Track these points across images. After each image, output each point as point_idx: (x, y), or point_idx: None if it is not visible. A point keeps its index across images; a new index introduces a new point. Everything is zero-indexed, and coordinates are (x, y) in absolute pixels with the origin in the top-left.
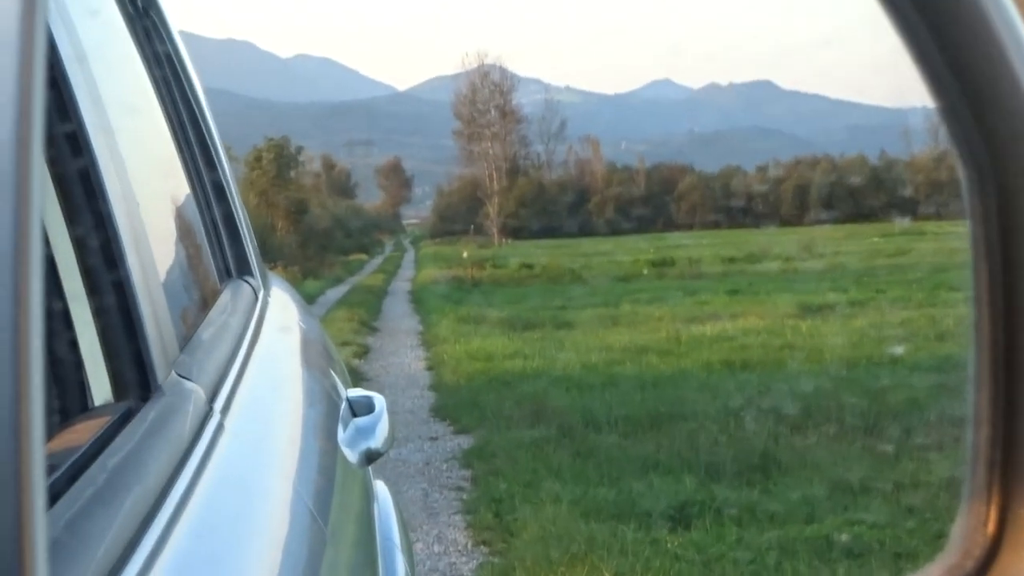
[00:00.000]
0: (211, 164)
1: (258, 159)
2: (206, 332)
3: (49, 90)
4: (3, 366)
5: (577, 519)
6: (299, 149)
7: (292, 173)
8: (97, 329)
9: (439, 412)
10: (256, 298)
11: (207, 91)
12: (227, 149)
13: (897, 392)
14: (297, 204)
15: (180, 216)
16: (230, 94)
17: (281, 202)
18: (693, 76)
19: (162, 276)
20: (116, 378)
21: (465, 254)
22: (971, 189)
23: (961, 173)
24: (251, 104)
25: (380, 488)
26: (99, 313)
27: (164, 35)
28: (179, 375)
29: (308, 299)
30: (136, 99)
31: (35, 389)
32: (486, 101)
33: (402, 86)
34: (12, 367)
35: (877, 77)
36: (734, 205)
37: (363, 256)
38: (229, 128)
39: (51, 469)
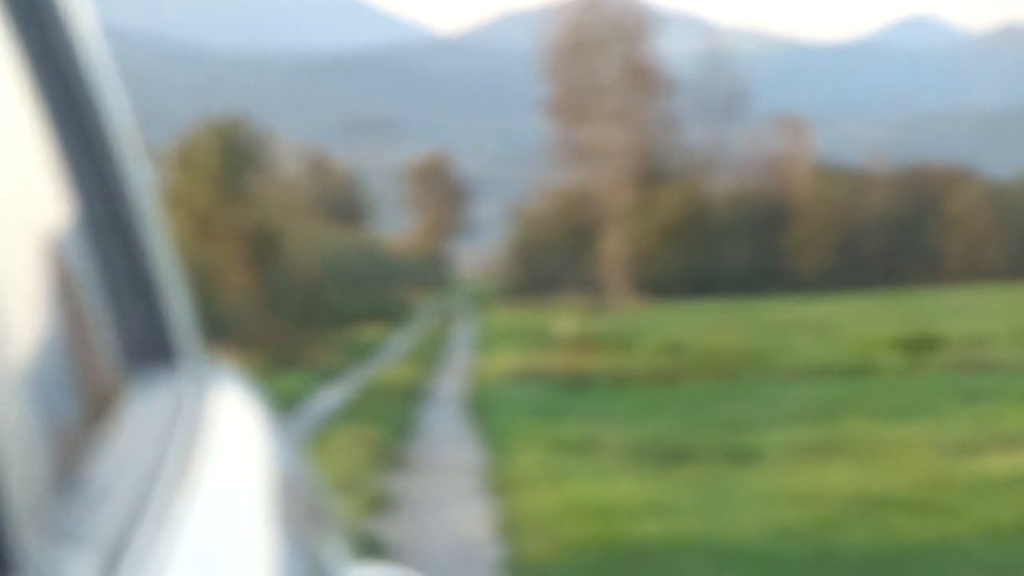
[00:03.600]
0: (108, 167)
1: (192, 153)
2: (99, 466)
3: None
4: None
5: None
6: (264, 135)
7: (251, 177)
8: None
9: None
10: (187, 406)
11: (105, 32)
12: (138, 137)
13: None
14: (261, 234)
15: (54, 262)
16: (145, 37)
17: (233, 230)
18: (973, 10)
19: (21, 368)
20: None
21: (563, 327)
22: None
23: None
24: (181, 54)
25: None
26: None
27: None
28: (52, 541)
29: (283, 406)
30: None
31: None
32: (601, 50)
33: (447, 28)
34: None
35: None
36: None
37: (381, 328)
38: (144, 97)
39: None
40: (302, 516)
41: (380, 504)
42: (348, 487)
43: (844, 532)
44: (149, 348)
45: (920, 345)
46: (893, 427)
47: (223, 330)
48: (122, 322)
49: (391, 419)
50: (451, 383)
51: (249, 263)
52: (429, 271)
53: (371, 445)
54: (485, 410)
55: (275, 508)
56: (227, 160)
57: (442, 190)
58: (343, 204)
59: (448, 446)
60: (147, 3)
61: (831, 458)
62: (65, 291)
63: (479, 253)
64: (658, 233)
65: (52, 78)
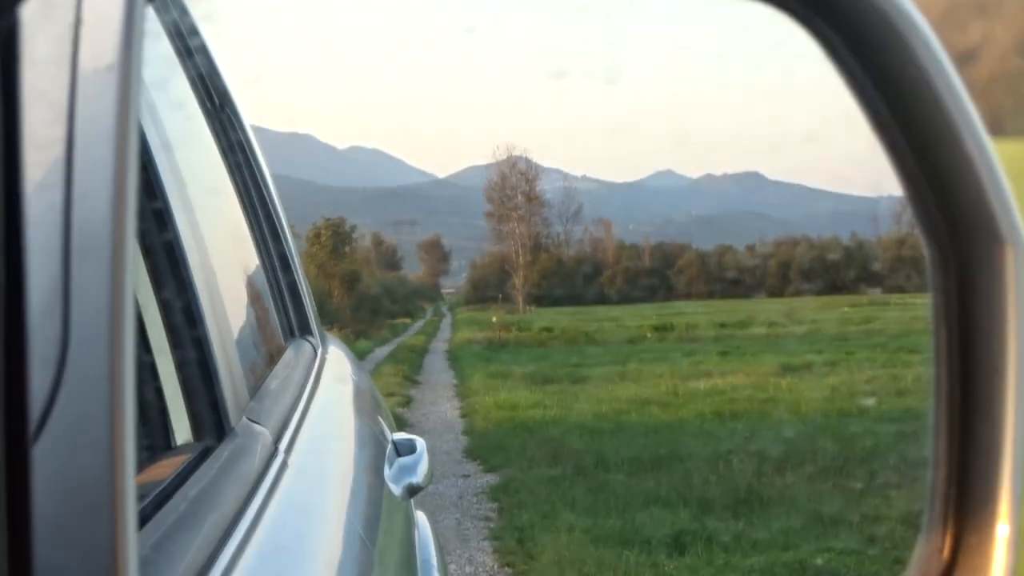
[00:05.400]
0: (277, 238)
1: (317, 236)
2: (273, 383)
3: (139, 174)
4: (100, 410)
5: (588, 545)
6: (352, 227)
7: (346, 248)
8: (179, 379)
9: (471, 453)
10: (315, 354)
11: (274, 176)
12: (291, 227)
13: (865, 438)
14: (350, 275)
15: (250, 282)
16: (294, 180)
17: (337, 273)
18: (692, 167)
19: (235, 334)
20: (195, 421)
21: (494, 319)
22: (934, 264)
23: (926, 251)
24: (312, 188)
25: (420, 518)
26: (181, 365)
27: (237, 126)
28: (249, 419)
29: (359, 356)
30: (213, 181)
31: (127, 430)
32: (513, 187)
33: (442, 173)
34: (108, 411)
35: (854, 169)
36: (727, 278)
37: (407, 320)
38: (293, 209)
39: (141, 498)
40: (370, 407)
41: (405, 402)
42: (390, 394)
43: (629, 417)
44: (297, 325)
45: (664, 328)
46: (651, 367)
47: (332, 320)
48: (284, 313)
49: (411, 362)
50: (440, 345)
51: (345, 289)
52: (430, 293)
53: (401, 374)
54: (456, 358)
55: (358, 402)
56: (335, 239)
57: (437, 254)
58: (390, 261)
59: (438, 375)
60: (293, 162)
61: (622, 382)
62: (257, 297)
63: (455, 284)
64: (540, 275)
65: (254, 199)
